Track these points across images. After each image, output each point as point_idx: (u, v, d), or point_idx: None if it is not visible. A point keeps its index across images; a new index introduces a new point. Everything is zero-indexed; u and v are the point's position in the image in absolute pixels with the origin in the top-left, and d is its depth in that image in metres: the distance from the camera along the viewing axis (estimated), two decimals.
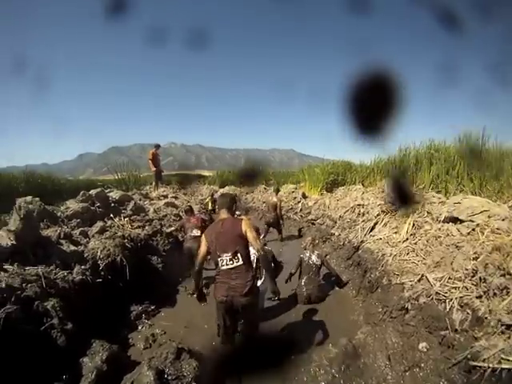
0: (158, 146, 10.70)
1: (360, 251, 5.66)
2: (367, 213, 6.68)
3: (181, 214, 8.11)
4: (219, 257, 2.63)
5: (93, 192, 6.50)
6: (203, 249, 2.79)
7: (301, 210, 9.88)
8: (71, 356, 2.72)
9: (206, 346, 3.34)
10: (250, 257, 2.67)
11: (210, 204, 12.42)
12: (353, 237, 6.34)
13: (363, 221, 6.50)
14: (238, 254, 2.58)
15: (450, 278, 3.24)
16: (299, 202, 10.22)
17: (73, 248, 4.23)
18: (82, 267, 3.83)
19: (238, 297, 2.55)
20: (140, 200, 8.70)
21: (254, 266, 3.47)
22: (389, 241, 5.14)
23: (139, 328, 3.90)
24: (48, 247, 3.90)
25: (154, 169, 10.68)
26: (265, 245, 5.99)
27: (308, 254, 4.83)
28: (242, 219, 2.73)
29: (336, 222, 7.64)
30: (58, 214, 5.25)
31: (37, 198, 4.68)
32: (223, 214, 2.82)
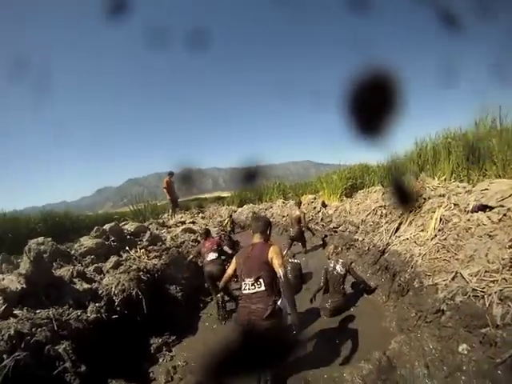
0: (171, 174, 10.60)
1: (386, 254, 5.34)
2: (390, 213, 6.34)
3: (199, 238, 7.89)
4: (243, 281, 2.65)
5: (107, 227, 6.38)
6: (230, 270, 2.89)
7: (321, 219, 9.54)
8: None
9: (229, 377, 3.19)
10: (273, 283, 2.62)
11: (228, 225, 12.37)
12: (377, 240, 6.01)
13: (387, 222, 6.17)
14: (261, 280, 2.56)
15: (486, 272, 2.94)
16: (319, 211, 9.89)
17: (86, 286, 4.13)
18: (97, 305, 3.74)
19: (259, 320, 2.50)
20: (157, 229, 8.60)
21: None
22: (416, 240, 4.82)
23: (160, 361, 3.77)
24: (61, 287, 3.82)
25: (170, 197, 10.68)
26: (293, 256, 5.88)
27: (332, 265, 4.55)
28: (271, 245, 2.71)
29: (359, 227, 7.30)
30: (72, 252, 5.18)
31: (49, 239, 4.62)
32: (256, 239, 2.83)
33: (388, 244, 5.55)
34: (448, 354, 2.65)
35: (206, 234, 5.77)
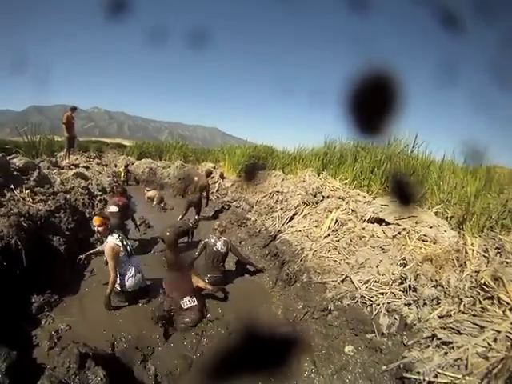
0: (73, 109, 9.54)
1: (277, 241, 5.53)
2: (286, 201, 6.60)
3: (89, 186, 7.83)
4: (181, 299, 3.62)
5: None
6: None
7: (217, 190, 9.50)
8: None
9: (114, 344, 3.06)
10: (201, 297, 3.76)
11: (122, 175, 12.36)
12: (270, 225, 6.20)
13: (281, 209, 6.40)
14: (194, 298, 3.63)
15: (376, 282, 3.26)
16: (216, 181, 9.83)
17: None
18: None
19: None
20: (48, 168, 7.86)
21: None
22: (309, 234, 5.09)
23: (42, 323, 3.40)
24: None
25: (67, 134, 9.55)
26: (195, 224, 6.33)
27: (213, 240, 4.54)
28: (192, 274, 3.83)
29: (253, 207, 7.46)
30: None
31: None
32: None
33: (280, 231, 5.76)
34: (335, 352, 2.87)
35: (122, 192, 6.17)
